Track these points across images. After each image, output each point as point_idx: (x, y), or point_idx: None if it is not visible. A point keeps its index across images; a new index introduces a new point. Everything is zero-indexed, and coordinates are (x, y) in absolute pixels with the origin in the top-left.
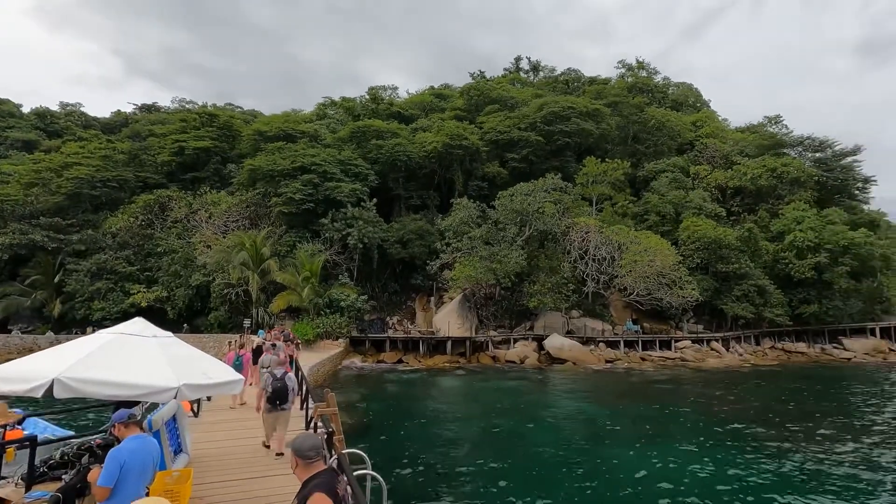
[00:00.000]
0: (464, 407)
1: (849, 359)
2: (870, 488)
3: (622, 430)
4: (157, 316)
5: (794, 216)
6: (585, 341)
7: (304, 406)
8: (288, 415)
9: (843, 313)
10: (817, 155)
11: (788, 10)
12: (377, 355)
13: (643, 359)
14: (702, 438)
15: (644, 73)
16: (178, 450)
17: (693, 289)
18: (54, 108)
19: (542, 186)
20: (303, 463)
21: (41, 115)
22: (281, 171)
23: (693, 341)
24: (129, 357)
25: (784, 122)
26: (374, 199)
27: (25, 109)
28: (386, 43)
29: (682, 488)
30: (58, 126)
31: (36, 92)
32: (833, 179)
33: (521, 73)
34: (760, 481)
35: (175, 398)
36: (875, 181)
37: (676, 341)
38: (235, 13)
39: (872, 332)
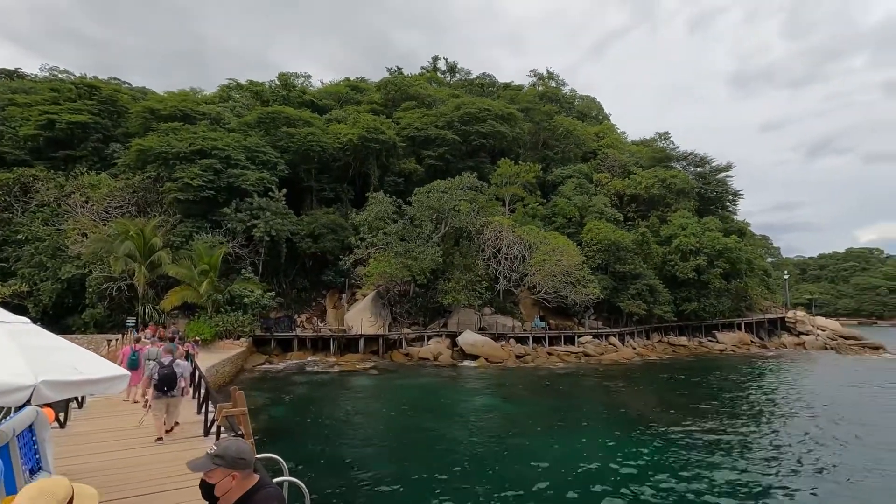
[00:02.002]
0: (378, 406)
1: (721, 350)
2: (744, 461)
3: (533, 422)
4: (15, 314)
5: (680, 223)
6: (497, 337)
7: (203, 409)
8: (178, 401)
9: (716, 310)
10: (698, 169)
11: (676, 42)
12: (284, 355)
13: (550, 353)
14: (606, 426)
15: (554, 84)
16: (35, 468)
17: (595, 287)
18: None
19: (459, 185)
20: (241, 474)
21: None
22: (177, 153)
23: (594, 336)
24: None
25: (671, 139)
26: (284, 190)
27: None
28: (301, 30)
29: (591, 473)
30: None
31: None
32: (710, 191)
33: (439, 73)
34: (659, 461)
35: (30, 401)
36: (742, 195)
37: (579, 337)
38: None
39: (739, 327)
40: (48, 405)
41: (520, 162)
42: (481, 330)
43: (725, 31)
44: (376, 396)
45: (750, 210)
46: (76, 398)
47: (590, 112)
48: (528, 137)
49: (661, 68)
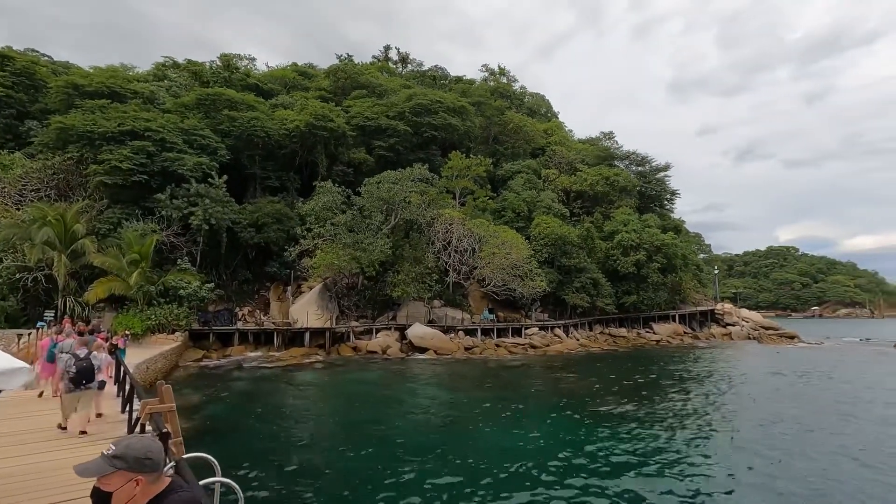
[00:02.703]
0: (324, 402)
1: (658, 341)
2: (684, 445)
3: (481, 412)
4: None
5: (622, 219)
6: (446, 330)
7: (128, 408)
8: (93, 393)
9: (653, 303)
10: (639, 168)
11: (620, 47)
12: (224, 350)
13: (498, 345)
14: (550, 414)
15: (505, 80)
16: None
17: (542, 280)
18: None
19: (410, 176)
20: (147, 478)
21: None
22: (103, 133)
23: (540, 328)
24: None
25: (615, 139)
26: (225, 177)
27: None
28: (245, 11)
29: (535, 460)
30: None
31: None
32: (650, 190)
33: (390, 63)
34: (601, 447)
35: None
36: (679, 194)
37: (526, 329)
38: None
39: (673, 319)
40: None
41: (471, 156)
42: (431, 322)
43: (666, 40)
44: (322, 391)
45: (683, 209)
46: None
47: (539, 109)
48: (480, 132)
49: (605, 72)
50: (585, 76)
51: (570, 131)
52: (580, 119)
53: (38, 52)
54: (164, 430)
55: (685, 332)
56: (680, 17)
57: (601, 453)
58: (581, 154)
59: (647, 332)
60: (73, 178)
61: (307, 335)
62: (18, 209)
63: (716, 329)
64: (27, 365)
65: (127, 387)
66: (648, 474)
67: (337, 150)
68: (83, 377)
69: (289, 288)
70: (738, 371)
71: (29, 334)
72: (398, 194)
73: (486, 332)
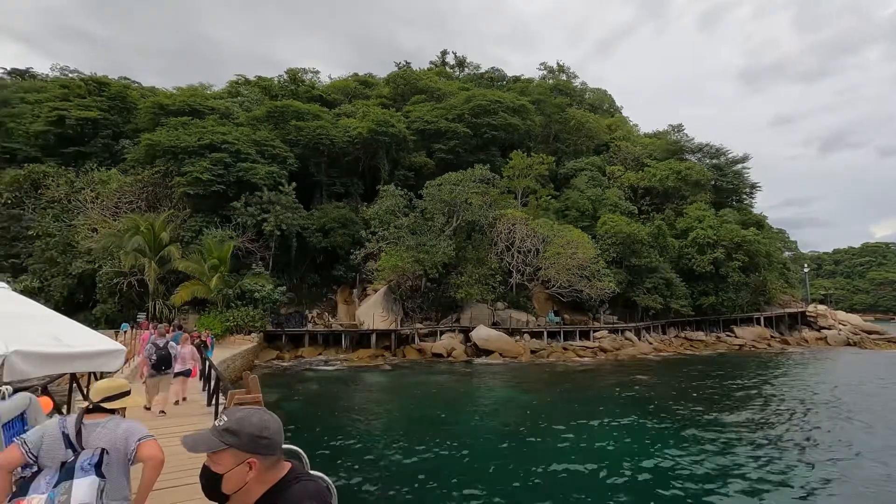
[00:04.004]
0: (395, 403)
1: (741, 345)
2: (777, 460)
3: (557, 416)
4: None
5: (696, 215)
6: (511, 332)
7: (214, 400)
8: (170, 378)
9: (734, 304)
10: (714, 161)
11: (684, 37)
12: (295, 351)
13: (565, 348)
14: (631, 421)
15: (564, 77)
16: None
17: (610, 281)
18: None
19: (471, 177)
20: (262, 461)
21: None
22: (186, 147)
23: (610, 331)
24: None
25: (685, 131)
26: (294, 184)
27: None
28: (305, 29)
29: (618, 466)
30: None
31: None
32: (727, 184)
33: (447, 68)
34: (688, 456)
35: (3, 372)
36: (760, 187)
37: (595, 331)
38: None
39: (758, 322)
40: (46, 393)
41: (531, 154)
42: (495, 325)
43: (735, 27)
44: (392, 393)
45: (760, 206)
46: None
47: (601, 105)
48: (540, 130)
49: (670, 65)
50: (648, 70)
51: (635, 126)
52: (645, 114)
53: (128, 78)
54: None
55: (772, 337)
56: (749, 2)
57: (683, 465)
58: (648, 149)
59: (728, 335)
60: (160, 190)
61: (373, 337)
62: (115, 220)
63: (808, 333)
64: (123, 347)
65: (212, 381)
66: (742, 492)
67: (398, 155)
68: (162, 363)
69: (355, 290)
70: (842, 381)
71: (125, 332)
72: (459, 196)
73: (553, 335)
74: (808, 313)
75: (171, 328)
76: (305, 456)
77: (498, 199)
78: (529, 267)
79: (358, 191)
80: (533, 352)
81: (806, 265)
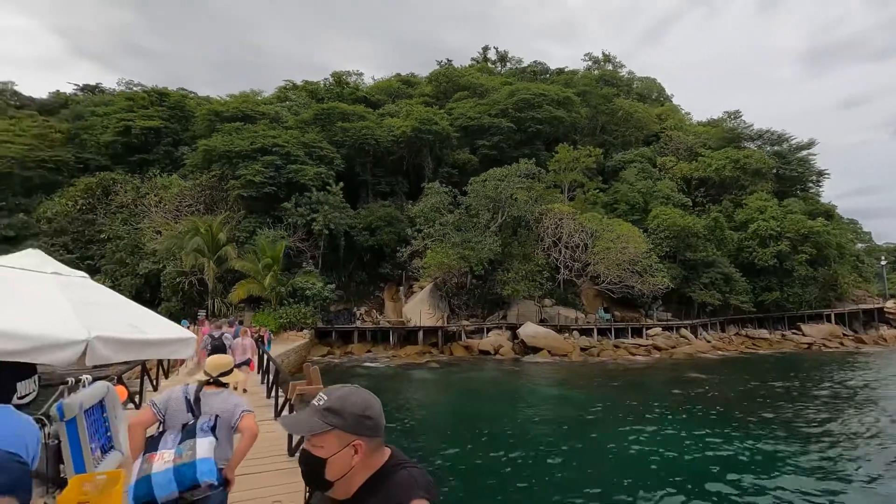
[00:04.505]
0: (445, 399)
1: (809, 344)
2: (847, 475)
3: (610, 415)
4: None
5: (757, 206)
6: (559, 329)
7: (274, 392)
8: None
9: (801, 300)
10: (775, 148)
11: (740, 20)
12: (344, 347)
13: (616, 346)
14: (690, 422)
15: (610, 67)
16: (107, 446)
17: (663, 276)
18: None
19: (516, 172)
20: (368, 444)
21: None
22: (239, 151)
23: (663, 329)
24: (7, 297)
25: (742, 118)
26: (341, 184)
27: None
28: (347, 33)
29: (674, 466)
30: None
31: None
32: (790, 171)
33: (489, 63)
34: (744, 458)
35: (85, 357)
36: (828, 175)
37: (648, 329)
38: None
39: (828, 318)
40: (121, 383)
41: (578, 147)
42: (542, 322)
43: (795, 6)
44: (442, 389)
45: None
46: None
47: (650, 94)
48: (586, 122)
49: (724, 50)
50: (701, 57)
51: (688, 114)
52: (698, 102)
53: (185, 89)
54: None
55: (844, 335)
56: None
57: (759, 477)
58: (702, 138)
59: (795, 333)
60: (216, 193)
61: (420, 334)
62: (176, 222)
63: (886, 331)
64: (194, 335)
65: (271, 374)
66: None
67: (442, 153)
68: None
69: (401, 288)
70: None
71: (188, 327)
72: (504, 191)
73: (603, 333)
74: (886, 309)
75: (228, 324)
76: None
77: (544, 194)
78: (577, 262)
79: (403, 189)
80: (583, 349)
81: (882, 258)
